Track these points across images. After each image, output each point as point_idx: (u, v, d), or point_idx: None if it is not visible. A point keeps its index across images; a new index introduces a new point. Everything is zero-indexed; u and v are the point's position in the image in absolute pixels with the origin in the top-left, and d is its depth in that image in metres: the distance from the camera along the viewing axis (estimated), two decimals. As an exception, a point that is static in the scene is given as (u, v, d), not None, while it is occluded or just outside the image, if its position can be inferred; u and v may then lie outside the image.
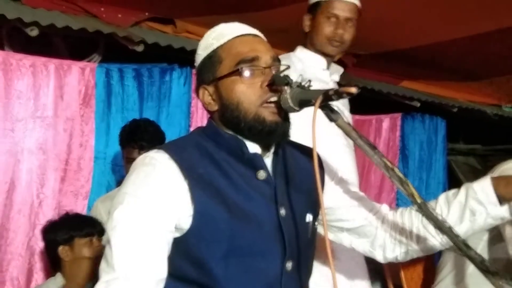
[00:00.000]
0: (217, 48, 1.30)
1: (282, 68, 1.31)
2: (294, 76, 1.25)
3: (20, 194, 2.73)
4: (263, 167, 1.29)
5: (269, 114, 1.25)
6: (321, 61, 2.19)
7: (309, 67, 2.14)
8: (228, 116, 1.28)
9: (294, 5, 2.68)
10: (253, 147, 1.29)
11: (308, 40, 2.21)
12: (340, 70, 2.30)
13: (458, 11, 2.86)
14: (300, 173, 1.37)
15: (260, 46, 1.30)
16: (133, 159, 2.62)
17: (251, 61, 1.26)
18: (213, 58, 1.30)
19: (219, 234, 1.20)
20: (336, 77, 2.26)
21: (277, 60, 1.31)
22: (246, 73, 1.25)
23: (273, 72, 1.28)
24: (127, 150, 2.61)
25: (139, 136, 2.56)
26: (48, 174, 2.82)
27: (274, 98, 1.25)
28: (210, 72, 1.30)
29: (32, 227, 2.74)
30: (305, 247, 1.33)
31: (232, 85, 1.26)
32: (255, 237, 1.24)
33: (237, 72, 1.25)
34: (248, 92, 1.25)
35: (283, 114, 1.26)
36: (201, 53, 1.34)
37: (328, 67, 2.22)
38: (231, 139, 1.29)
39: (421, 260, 2.77)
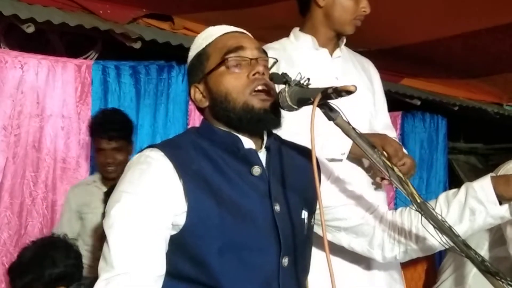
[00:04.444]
0: (205, 46, 1.33)
1: (270, 61, 1.34)
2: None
3: (10, 191, 2.74)
4: (258, 163, 1.30)
5: (257, 102, 1.26)
6: (313, 41, 2.00)
7: (297, 50, 1.99)
8: (218, 109, 1.30)
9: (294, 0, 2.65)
10: (248, 143, 1.30)
11: (318, 17, 1.98)
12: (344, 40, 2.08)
13: (459, 8, 2.84)
14: (295, 171, 1.37)
15: (245, 40, 1.33)
16: (102, 149, 2.62)
17: (236, 50, 1.28)
18: (201, 56, 1.33)
19: (214, 230, 1.21)
20: (338, 53, 2.04)
21: (263, 53, 1.33)
22: (233, 63, 1.28)
23: (259, 63, 1.29)
24: (97, 140, 2.66)
25: (108, 126, 2.61)
26: (42, 172, 2.81)
27: (261, 86, 1.27)
28: (199, 70, 1.33)
29: (24, 225, 2.75)
30: (301, 243, 1.33)
31: (220, 78, 1.29)
32: (249, 233, 1.24)
33: (224, 64, 1.28)
34: (235, 82, 1.27)
35: (272, 101, 1.27)
36: (191, 54, 1.37)
37: (340, 45, 2.04)
38: (226, 136, 1.30)
39: (421, 261, 2.76)
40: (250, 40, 1.34)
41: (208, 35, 1.35)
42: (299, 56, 1.95)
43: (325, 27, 1.99)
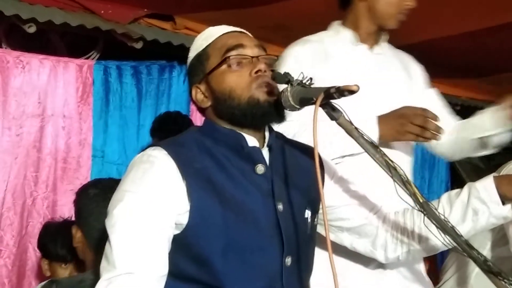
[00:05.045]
0: (205, 47, 1.33)
1: (270, 59, 1.33)
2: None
3: (13, 192, 2.74)
4: (262, 161, 1.29)
5: (263, 94, 1.26)
6: (353, 36, 1.94)
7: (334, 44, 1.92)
8: (221, 107, 1.29)
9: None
10: (252, 141, 1.29)
11: (360, 10, 1.92)
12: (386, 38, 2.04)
13: (461, 7, 2.84)
14: (299, 170, 1.36)
15: (245, 38, 1.33)
16: None
17: (236, 48, 1.28)
18: (201, 56, 1.33)
19: (216, 229, 1.20)
20: (378, 50, 1.99)
21: (264, 51, 1.33)
22: (234, 61, 1.28)
23: (261, 61, 1.29)
24: (154, 140, 2.76)
25: (163, 127, 2.74)
26: (43, 172, 2.82)
27: (265, 83, 1.26)
28: (199, 70, 1.33)
29: (25, 225, 2.76)
30: (304, 243, 1.32)
31: (222, 77, 1.28)
32: (252, 232, 1.23)
33: (225, 62, 1.28)
34: (238, 80, 1.27)
35: (276, 98, 1.26)
36: (191, 55, 1.37)
37: (378, 42, 1.99)
38: (230, 134, 1.29)
39: (424, 261, 2.73)
40: (249, 38, 1.34)
41: (207, 36, 1.35)
42: (337, 50, 1.90)
43: (368, 21, 1.93)
